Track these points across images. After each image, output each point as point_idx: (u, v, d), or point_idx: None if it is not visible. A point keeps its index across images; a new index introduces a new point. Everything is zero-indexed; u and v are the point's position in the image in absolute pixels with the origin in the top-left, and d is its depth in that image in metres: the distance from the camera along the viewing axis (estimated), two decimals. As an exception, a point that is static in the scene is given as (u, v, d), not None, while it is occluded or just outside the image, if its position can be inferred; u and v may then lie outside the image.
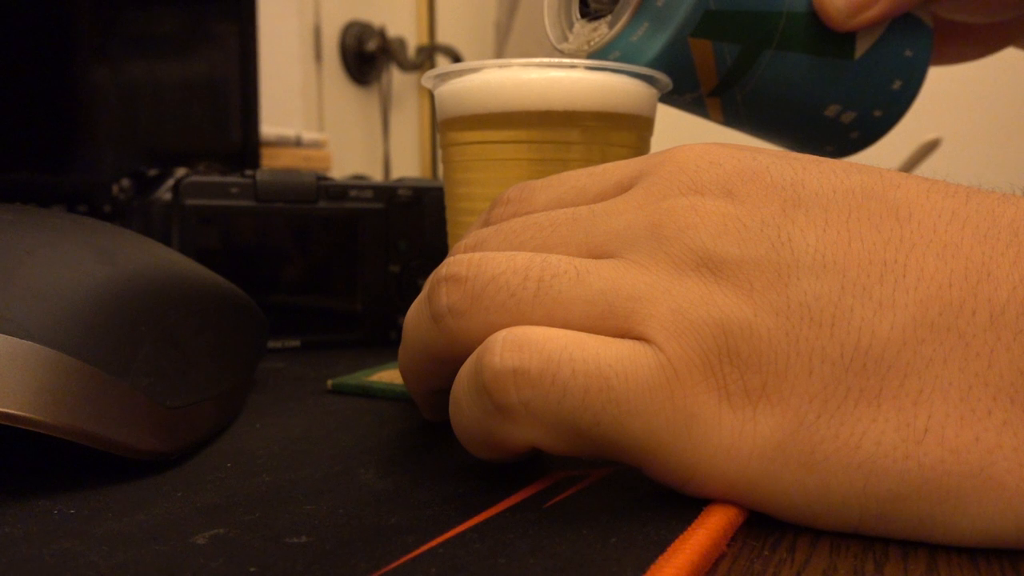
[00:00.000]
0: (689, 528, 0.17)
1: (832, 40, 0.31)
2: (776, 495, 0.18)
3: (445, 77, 0.29)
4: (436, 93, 0.30)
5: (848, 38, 0.31)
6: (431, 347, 0.21)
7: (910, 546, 0.17)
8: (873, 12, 0.30)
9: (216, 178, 0.38)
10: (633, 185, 0.22)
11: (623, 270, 0.19)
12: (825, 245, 0.18)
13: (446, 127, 0.30)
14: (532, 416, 0.18)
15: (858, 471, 0.17)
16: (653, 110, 0.30)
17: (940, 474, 0.16)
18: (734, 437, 0.18)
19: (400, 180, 0.41)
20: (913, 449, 0.17)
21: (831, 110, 0.33)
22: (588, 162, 0.28)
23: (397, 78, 1.77)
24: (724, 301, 0.18)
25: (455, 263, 0.20)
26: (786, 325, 0.18)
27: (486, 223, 0.24)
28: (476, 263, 0.20)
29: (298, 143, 1.01)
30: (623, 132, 0.29)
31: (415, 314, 0.22)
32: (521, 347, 0.18)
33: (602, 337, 0.19)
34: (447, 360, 0.21)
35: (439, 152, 0.31)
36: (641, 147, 0.30)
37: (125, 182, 0.50)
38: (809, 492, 0.17)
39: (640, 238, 0.20)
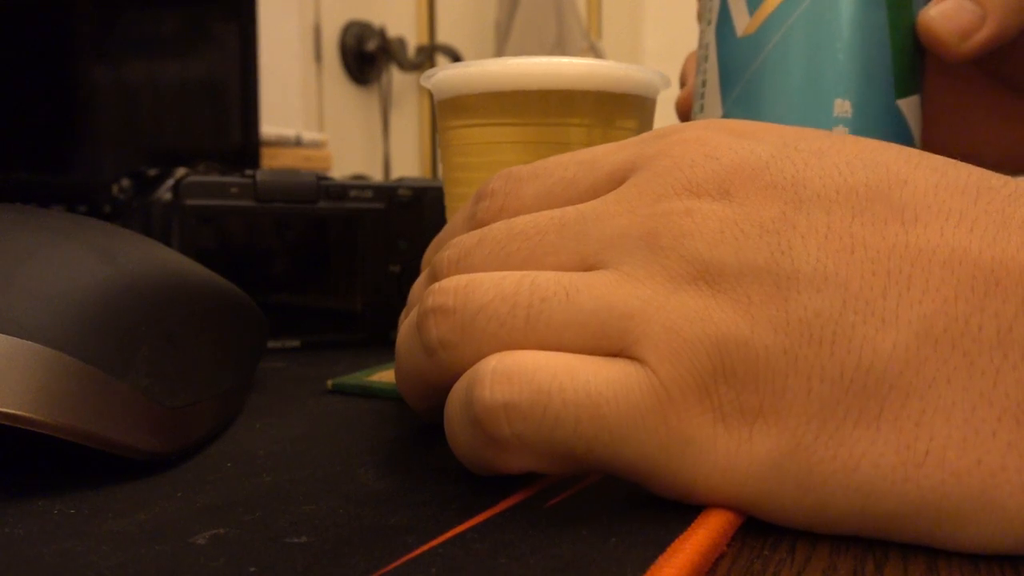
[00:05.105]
0: (689, 528, 0.17)
1: None
2: (773, 513, 0.18)
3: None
4: (435, 80, 0.30)
5: None
6: (426, 376, 0.21)
7: (910, 547, 0.17)
8: (983, 34, 0.28)
9: (216, 178, 0.38)
10: (626, 177, 0.21)
11: (615, 286, 0.19)
12: (827, 254, 0.18)
13: (446, 111, 0.30)
14: (526, 447, 0.18)
15: (856, 493, 0.17)
16: (655, 93, 0.30)
17: (940, 496, 0.16)
18: (730, 458, 0.17)
19: (400, 180, 0.41)
20: (913, 472, 0.16)
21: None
22: (590, 145, 0.28)
23: (397, 78, 1.77)
24: (720, 317, 0.18)
25: (441, 292, 0.20)
26: (784, 342, 0.17)
27: (471, 217, 0.23)
28: (463, 292, 0.19)
29: (298, 143, 1.01)
30: (625, 114, 0.29)
31: (407, 342, 0.21)
32: (510, 379, 0.18)
33: (594, 361, 0.18)
34: (443, 387, 0.20)
35: (438, 137, 0.31)
36: (643, 132, 0.30)
37: (125, 182, 0.50)
38: (806, 511, 0.17)
39: (634, 247, 0.19)
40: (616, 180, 0.21)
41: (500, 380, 0.18)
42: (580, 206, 0.21)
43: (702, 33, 0.30)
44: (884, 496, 0.16)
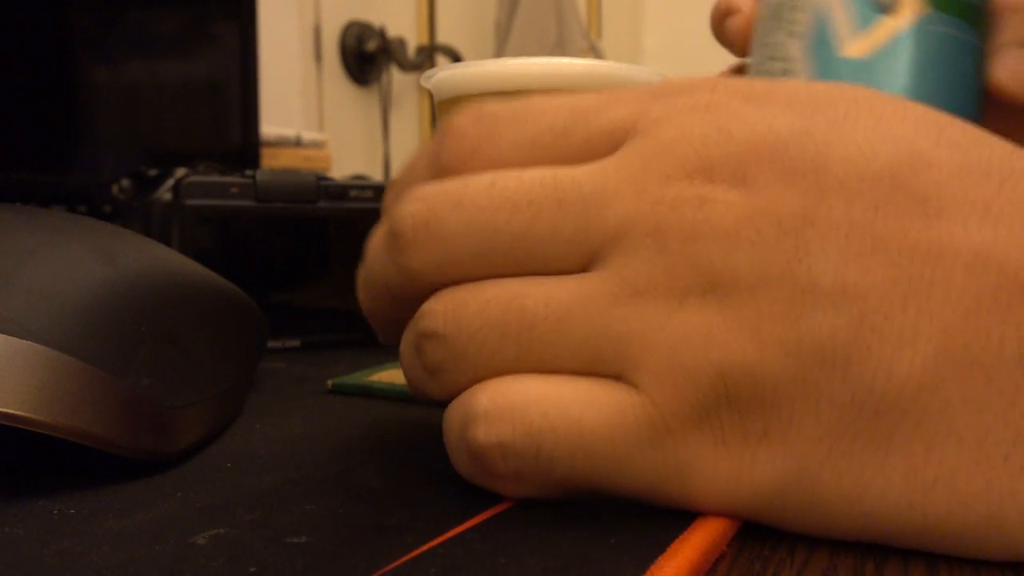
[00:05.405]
0: (689, 528, 0.17)
1: None
2: (776, 528, 0.18)
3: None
4: (435, 80, 0.30)
5: None
6: (432, 392, 0.20)
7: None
8: None
9: (216, 178, 0.38)
10: (625, 139, 0.18)
11: (611, 303, 0.17)
12: (846, 260, 0.16)
13: (445, 111, 0.30)
14: (523, 482, 0.18)
15: (860, 518, 0.16)
16: None
17: (945, 522, 0.16)
18: (731, 482, 0.17)
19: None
20: (919, 498, 0.16)
21: None
22: None
23: (397, 78, 1.77)
24: (726, 340, 0.16)
25: (430, 317, 0.19)
26: (794, 367, 0.16)
27: (435, 160, 0.20)
28: (452, 317, 0.18)
29: (298, 143, 1.01)
30: None
31: (408, 359, 0.20)
32: (502, 419, 0.18)
33: (587, 390, 0.17)
34: (450, 399, 0.20)
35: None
36: None
37: (125, 182, 0.50)
38: (808, 530, 0.17)
39: (639, 245, 0.17)
40: (614, 140, 0.19)
41: (493, 420, 0.18)
42: (576, 173, 0.18)
43: (779, 45, 0.30)
44: (889, 521, 0.16)
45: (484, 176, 0.19)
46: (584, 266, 0.18)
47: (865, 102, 0.18)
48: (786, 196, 0.17)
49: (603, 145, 0.19)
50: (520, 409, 0.18)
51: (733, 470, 0.17)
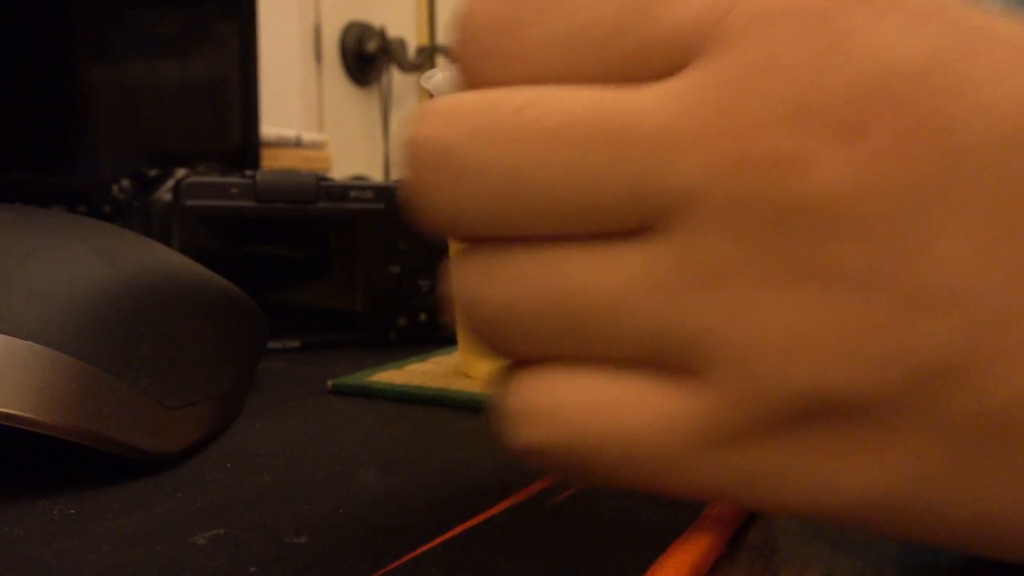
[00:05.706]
0: (689, 528, 0.17)
1: None
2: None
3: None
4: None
5: None
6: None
7: (907, 546, 0.17)
8: None
9: (216, 178, 0.38)
10: (699, 50, 0.14)
11: (681, 289, 0.14)
12: (971, 253, 0.13)
13: None
14: (566, 476, 0.17)
15: (948, 529, 0.15)
16: None
17: None
18: (805, 494, 0.15)
19: (400, 180, 0.41)
20: (1013, 507, 0.14)
21: None
22: None
23: (397, 79, 1.77)
24: (816, 350, 0.14)
25: (456, 278, 0.16)
26: (893, 383, 0.14)
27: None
28: (478, 285, 0.16)
29: (298, 144, 1.01)
30: None
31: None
32: (538, 422, 0.15)
33: (639, 388, 0.15)
34: None
35: None
36: None
37: (125, 182, 0.50)
38: (894, 538, 0.16)
39: (716, 219, 0.14)
40: (681, 51, 0.14)
41: (528, 423, 0.16)
42: (636, 102, 0.14)
43: None
44: (986, 531, 0.15)
45: (514, 94, 0.15)
46: (640, 227, 0.14)
47: (988, 22, 0.14)
48: (909, 161, 0.13)
49: (666, 55, 0.14)
50: (556, 414, 0.15)
51: (809, 482, 0.15)
